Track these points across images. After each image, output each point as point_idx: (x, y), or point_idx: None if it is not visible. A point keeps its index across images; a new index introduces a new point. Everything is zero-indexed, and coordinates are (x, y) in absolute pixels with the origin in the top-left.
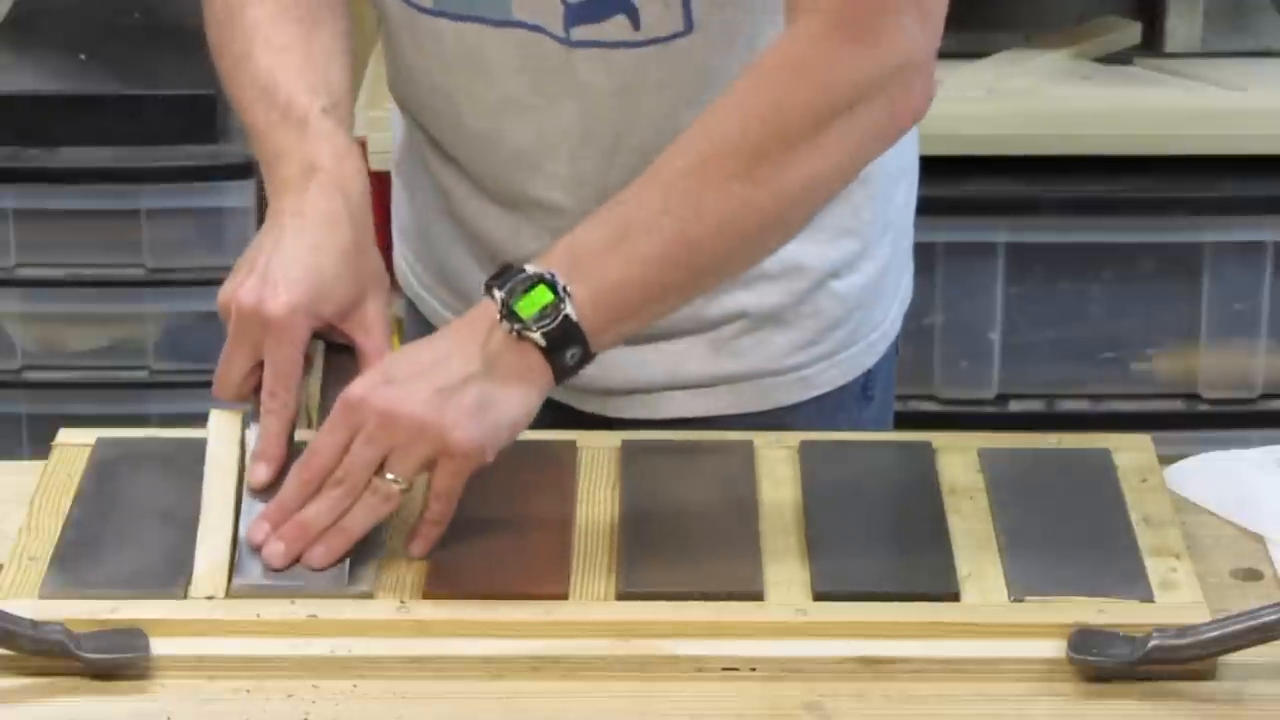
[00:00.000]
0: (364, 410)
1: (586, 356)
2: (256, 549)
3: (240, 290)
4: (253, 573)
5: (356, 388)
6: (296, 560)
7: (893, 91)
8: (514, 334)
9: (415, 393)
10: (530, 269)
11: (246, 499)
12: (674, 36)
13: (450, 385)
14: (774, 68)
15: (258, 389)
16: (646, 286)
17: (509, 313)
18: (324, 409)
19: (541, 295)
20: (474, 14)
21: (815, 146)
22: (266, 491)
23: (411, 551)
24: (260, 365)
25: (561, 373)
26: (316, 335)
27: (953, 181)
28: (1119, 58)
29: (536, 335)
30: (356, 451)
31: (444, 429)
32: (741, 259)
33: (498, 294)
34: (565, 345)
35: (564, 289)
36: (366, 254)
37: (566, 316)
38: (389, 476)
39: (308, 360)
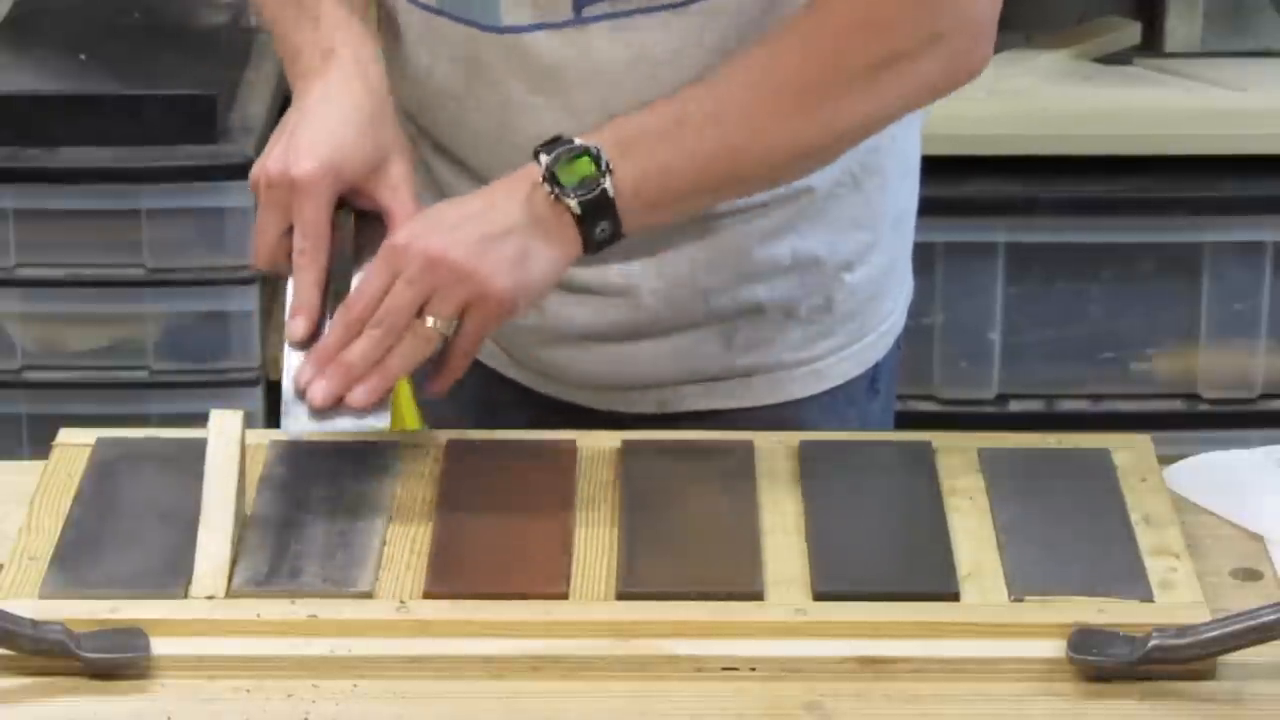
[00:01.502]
0: (408, 254)
1: (616, 234)
2: (301, 393)
3: (267, 161)
4: (299, 420)
5: (402, 233)
6: (340, 402)
7: (953, 48)
8: (553, 196)
9: (459, 239)
10: (579, 140)
11: (287, 350)
12: (688, 1)
13: (492, 234)
14: (840, 15)
15: (289, 255)
16: (685, 181)
17: (551, 176)
18: (357, 271)
19: (584, 166)
20: (468, 18)
21: (870, 92)
22: (305, 345)
23: (430, 390)
24: (291, 232)
25: (590, 244)
26: (344, 204)
27: (953, 181)
28: (1119, 58)
29: (573, 202)
30: (398, 293)
31: (484, 276)
32: (780, 177)
33: (544, 159)
34: (598, 218)
35: (607, 164)
36: (388, 121)
37: (604, 190)
38: (429, 320)
39: (337, 229)
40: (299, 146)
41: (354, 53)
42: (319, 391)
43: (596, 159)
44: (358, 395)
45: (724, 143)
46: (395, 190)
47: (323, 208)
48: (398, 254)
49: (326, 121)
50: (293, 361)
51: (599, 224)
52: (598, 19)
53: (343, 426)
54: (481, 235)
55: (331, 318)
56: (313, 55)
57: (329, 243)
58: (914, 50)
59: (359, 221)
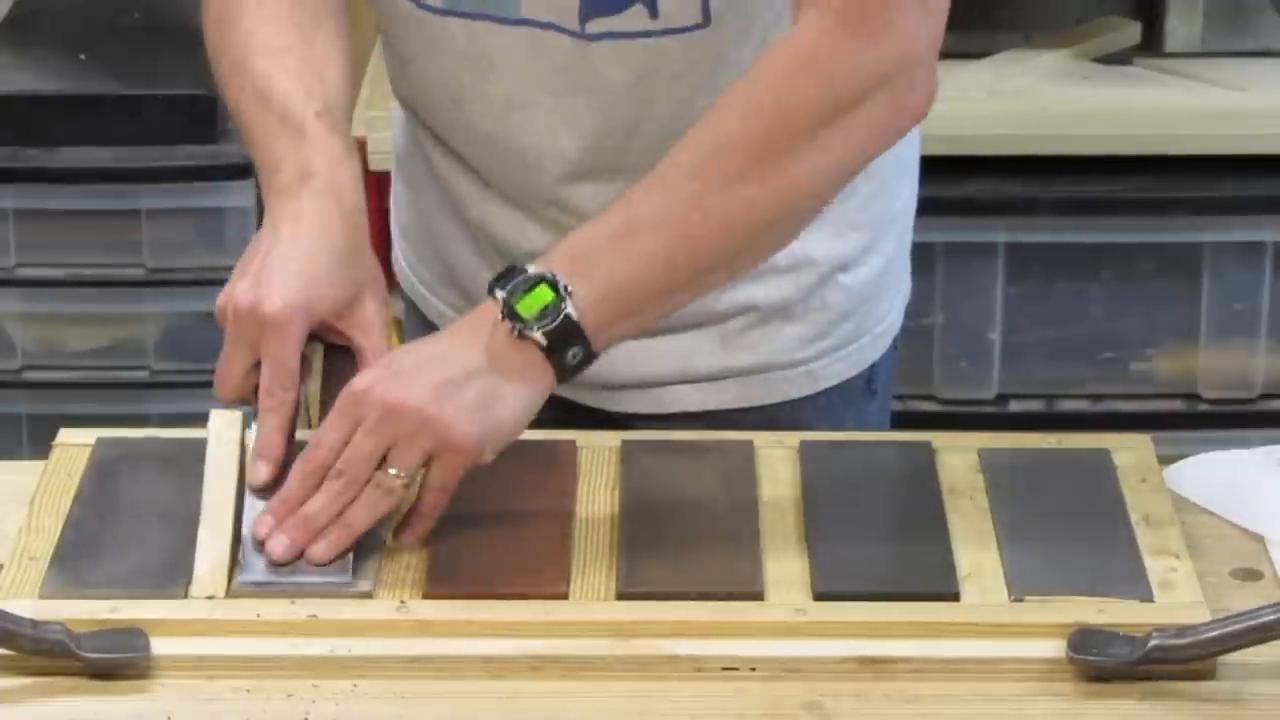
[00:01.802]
0: (367, 402)
1: (589, 356)
2: (260, 545)
3: (236, 292)
4: (256, 569)
5: (360, 381)
6: (300, 555)
7: (896, 87)
8: (515, 333)
9: (418, 386)
10: (532, 269)
11: (249, 497)
12: (691, 28)
13: (453, 380)
14: (778, 63)
15: (256, 390)
16: (649, 285)
17: (510, 312)
18: (324, 409)
19: (543, 295)
20: (485, 12)
21: (819, 143)
22: (268, 490)
23: (400, 540)
24: (259, 366)
25: (563, 372)
26: (315, 337)
27: (953, 181)
28: (1119, 58)
29: (537, 335)
30: (358, 444)
31: (446, 424)
32: (745, 258)
33: (499, 294)
34: (566, 345)
35: (565, 288)
36: (362, 255)
37: (567, 316)
38: (391, 470)
39: (306, 362)
40: (270, 281)
41: (332, 178)
42: (278, 546)
43: (554, 284)
44: (318, 550)
45: (679, 236)
46: (367, 330)
47: (292, 347)
48: (357, 402)
49: (299, 254)
50: (253, 508)
51: (569, 350)
52: (600, 37)
53: (303, 581)
54: (442, 381)
55: (295, 456)
56: (289, 173)
57: (297, 384)
58: (855, 94)
59: (329, 354)
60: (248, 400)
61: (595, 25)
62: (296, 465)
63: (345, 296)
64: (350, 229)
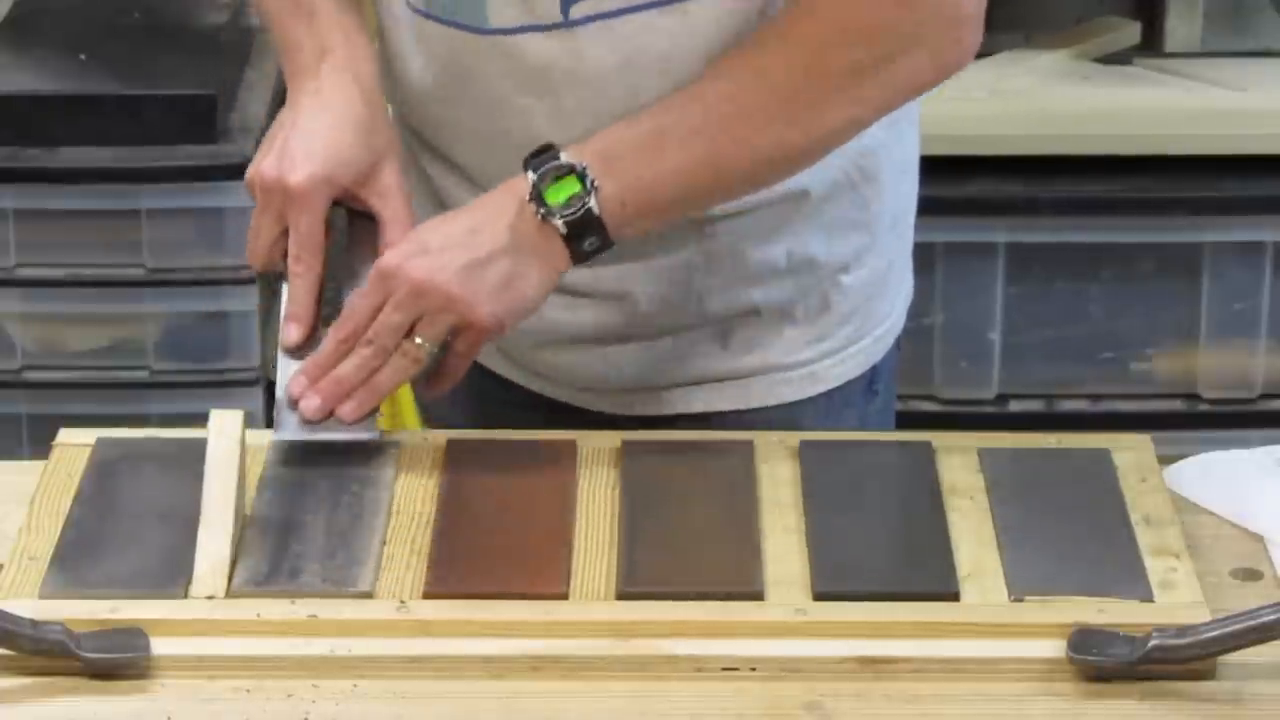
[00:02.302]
0: (397, 278)
1: (605, 244)
2: (294, 403)
3: (263, 165)
4: (289, 426)
5: (391, 257)
6: (330, 414)
7: (938, 43)
8: (539, 217)
9: (445, 265)
10: (565, 157)
11: (281, 358)
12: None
13: (478, 260)
14: (822, 22)
15: (284, 256)
16: (671, 191)
17: (538, 196)
18: (347, 271)
19: (570, 185)
20: (456, 20)
21: (853, 94)
22: (299, 350)
23: (424, 393)
24: (286, 234)
25: (579, 256)
26: (337, 203)
27: (953, 181)
28: (1119, 58)
29: (559, 222)
30: (387, 316)
31: (470, 303)
32: (766, 182)
33: (530, 176)
34: (585, 234)
35: (592, 182)
36: (380, 125)
37: (590, 209)
38: (417, 340)
39: (330, 227)
40: (294, 153)
41: (349, 52)
42: (310, 405)
43: (582, 177)
44: (347, 409)
45: (707, 152)
46: (386, 196)
47: (317, 216)
48: (387, 277)
49: (321, 127)
50: (286, 368)
51: (586, 239)
52: (585, 21)
53: (332, 436)
54: (468, 260)
55: (324, 319)
56: (308, 52)
57: (323, 250)
58: (895, 52)
59: (352, 220)
60: (276, 266)
61: (579, 9)
62: (331, 331)
63: (365, 166)
64: (367, 100)
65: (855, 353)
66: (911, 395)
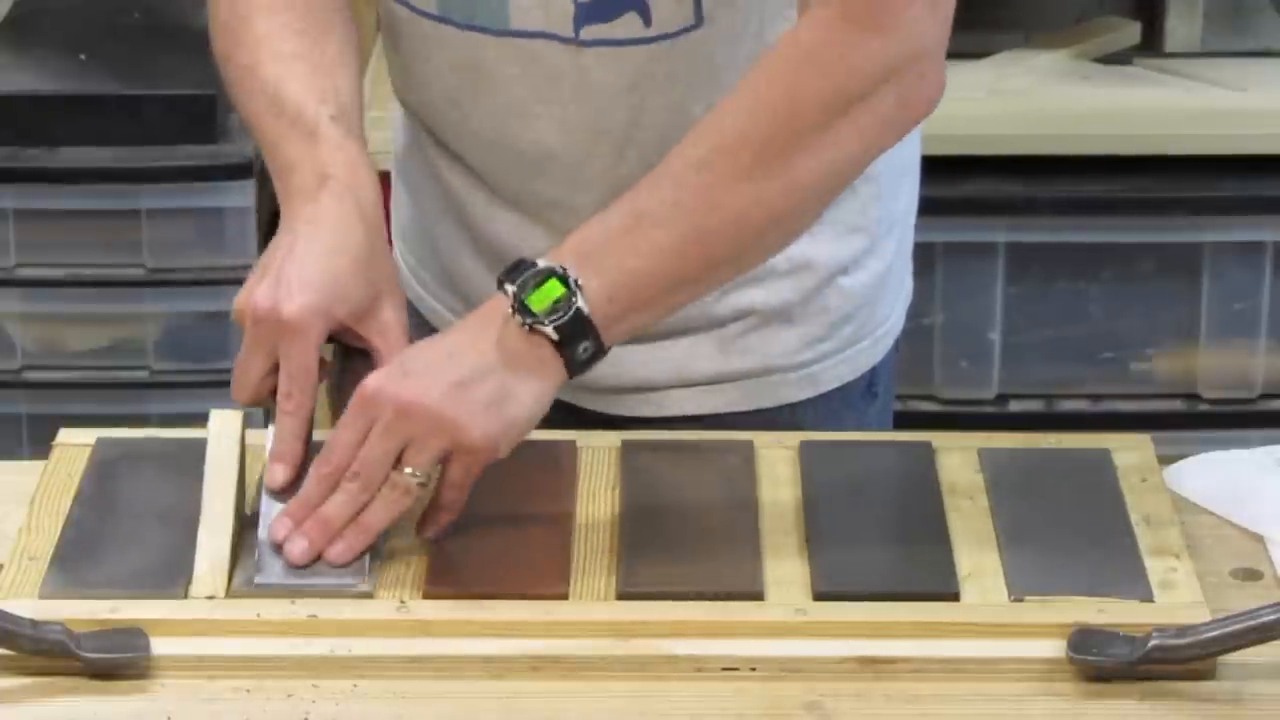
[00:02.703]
0: (380, 402)
1: (599, 350)
2: (278, 547)
3: (256, 294)
4: (274, 571)
5: (372, 381)
6: (319, 558)
7: (905, 81)
8: (526, 328)
9: (431, 385)
10: (542, 263)
11: (265, 500)
12: (684, 31)
13: (466, 378)
14: (785, 58)
15: (274, 392)
16: (658, 278)
17: (521, 306)
18: (340, 410)
19: (553, 289)
20: (475, 24)
21: (827, 137)
22: (285, 492)
23: (422, 533)
24: (277, 368)
25: (574, 367)
26: (332, 339)
27: (953, 181)
28: (1119, 58)
29: (549, 329)
30: (373, 444)
31: (460, 423)
32: (755, 251)
33: (509, 288)
34: (577, 339)
35: (575, 282)
36: (381, 258)
37: (578, 310)
38: (406, 470)
39: (323, 364)
40: (290, 283)
41: (351, 179)
42: (297, 549)
43: (564, 279)
44: (335, 552)
45: (688, 230)
46: (385, 333)
47: (311, 351)
48: (368, 403)
49: (319, 257)
50: (270, 510)
51: (580, 345)
52: (594, 44)
53: (320, 583)
54: (454, 379)
55: (312, 458)
56: (306, 174)
57: (316, 387)
58: (864, 89)
59: (345, 356)
60: (265, 403)
61: (589, 32)
62: (313, 467)
63: (364, 300)
64: (369, 231)
65: (855, 354)
66: (911, 395)
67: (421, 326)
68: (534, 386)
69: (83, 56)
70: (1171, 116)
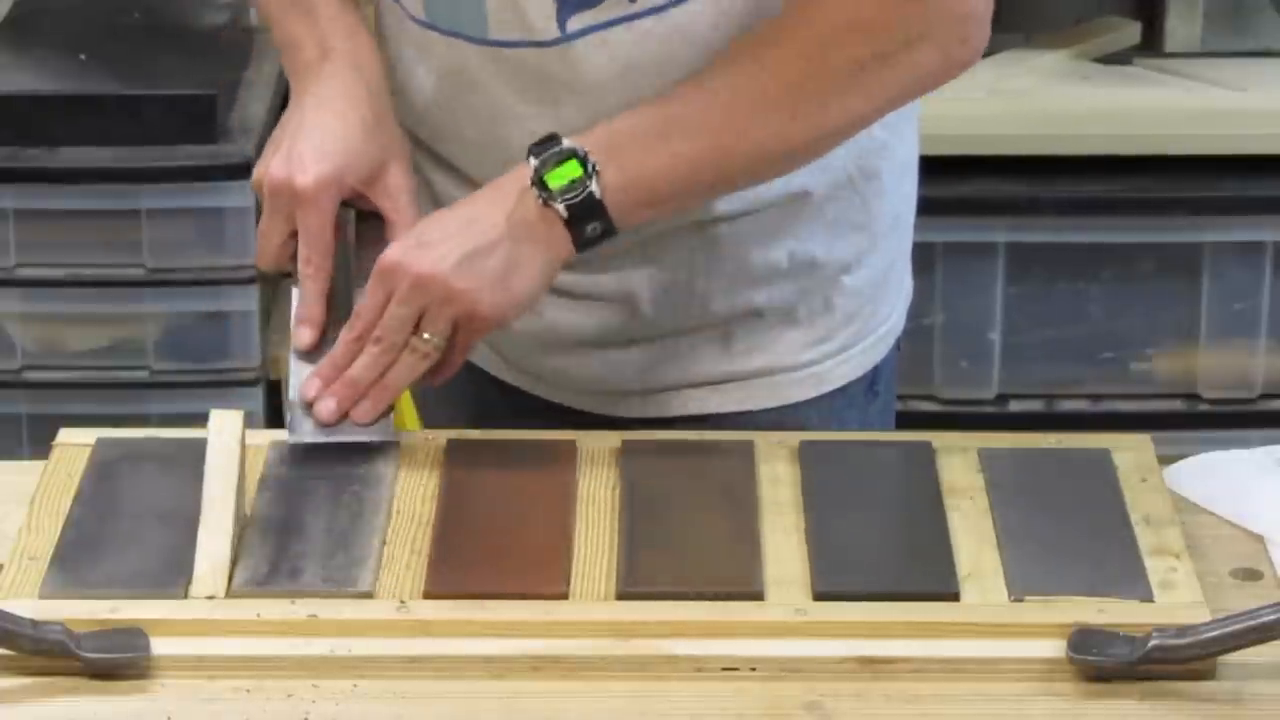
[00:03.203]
0: (398, 274)
1: (609, 230)
2: (308, 406)
3: (271, 167)
4: (305, 429)
5: (391, 252)
6: (346, 416)
7: (944, 39)
8: (541, 201)
9: (445, 257)
10: (567, 143)
11: (293, 361)
12: (670, 4)
13: (478, 249)
14: (826, 22)
15: (294, 258)
16: (674, 181)
17: (539, 180)
18: (357, 272)
19: (571, 169)
20: (457, 31)
21: (857, 89)
22: (312, 353)
23: (423, 383)
24: (295, 235)
25: (582, 244)
26: (346, 204)
27: (953, 181)
28: (1119, 58)
29: (560, 207)
30: (392, 312)
31: (471, 294)
32: (768, 175)
33: (533, 162)
34: (587, 219)
35: (594, 167)
36: (385, 124)
37: (591, 194)
38: (425, 335)
39: (339, 228)
40: (302, 154)
41: (352, 49)
42: (325, 408)
43: (584, 161)
44: (362, 410)
45: (710, 144)
46: (394, 196)
47: (326, 217)
48: (389, 273)
49: (329, 128)
50: (299, 371)
51: (589, 225)
52: (582, 33)
53: (348, 438)
54: (468, 250)
55: (335, 320)
56: (310, 50)
57: (333, 251)
58: (900, 49)
59: (360, 220)
60: (285, 268)
61: (575, 22)
62: (343, 333)
63: (372, 166)
64: (373, 98)
65: (857, 353)
66: (911, 395)
67: None
68: (541, 258)
69: (83, 56)
70: (1171, 116)
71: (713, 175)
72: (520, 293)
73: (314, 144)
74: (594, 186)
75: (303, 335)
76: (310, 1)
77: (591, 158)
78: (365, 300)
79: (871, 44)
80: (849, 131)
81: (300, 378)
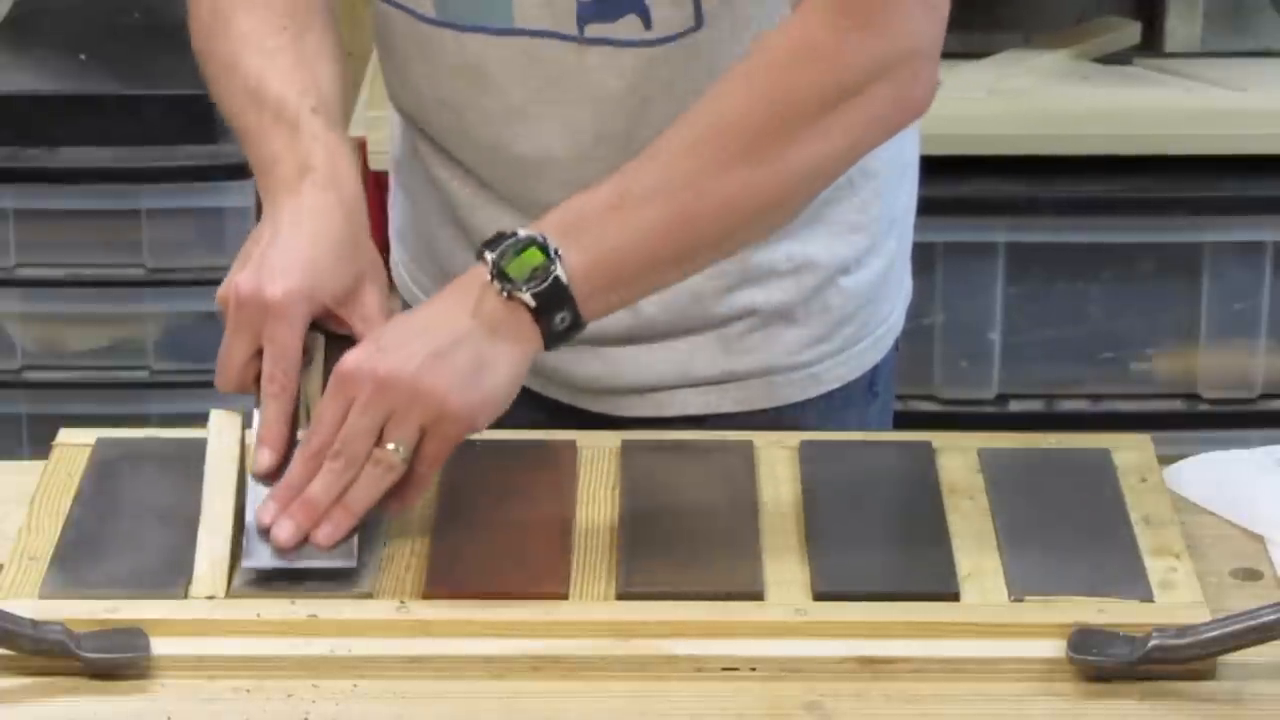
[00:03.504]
0: (358, 378)
1: (577, 323)
2: (265, 532)
3: (238, 280)
4: (262, 556)
5: (349, 358)
6: (305, 540)
7: (898, 78)
8: (504, 294)
9: (409, 357)
10: (523, 232)
11: (251, 485)
12: (685, 33)
13: (443, 348)
14: (780, 50)
15: (258, 379)
16: (640, 256)
17: (500, 273)
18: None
19: (532, 256)
20: (478, 24)
21: (819, 130)
22: (271, 478)
23: (386, 510)
24: (260, 355)
25: (551, 337)
26: (316, 327)
27: (953, 181)
28: (1119, 58)
29: (526, 296)
30: (353, 421)
31: (439, 394)
32: (739, 237)
33: (489, 256)
34: (555, 308)
35: (555, 251)
36: (363, 244)
37: (557, 278)
38: (389, 446)
39: (307, 352)
40: (273, 267)
41: (332, 170)
42: (283, 531)
43: (544, 247)
44: (322, 534)
45: (673, 211)
46: (368, 319)
47: (295, 332)
48: (348, 380)
49: (302, 243)
50: (257, 495)
51: (557, 315)
52: (596, 42)
53: (307, 564)
54: (431, 350)
55: (299, 444)
56: (288, 167)
57: (299, 370)
58: (858, 83)
59: (329, 344)
60: (248, 389)
61: (592, 30)
62: (298, 451)
63: (347, 284)
64: (350, 219)
65: (856, 354)
66: (911, 395)
67: None
68: (511, 355)
69: (83, 56)
70: (1171, 116)
71: (681, 245)
72: (491, 391)
73: (285, 257)
74: (559, 270)
75: (263, 459)
76: (295, 118)
77: (551, 242)
78: (321, 411)
79: (829, 77)
80: (815, 182)
81: (258, 501)
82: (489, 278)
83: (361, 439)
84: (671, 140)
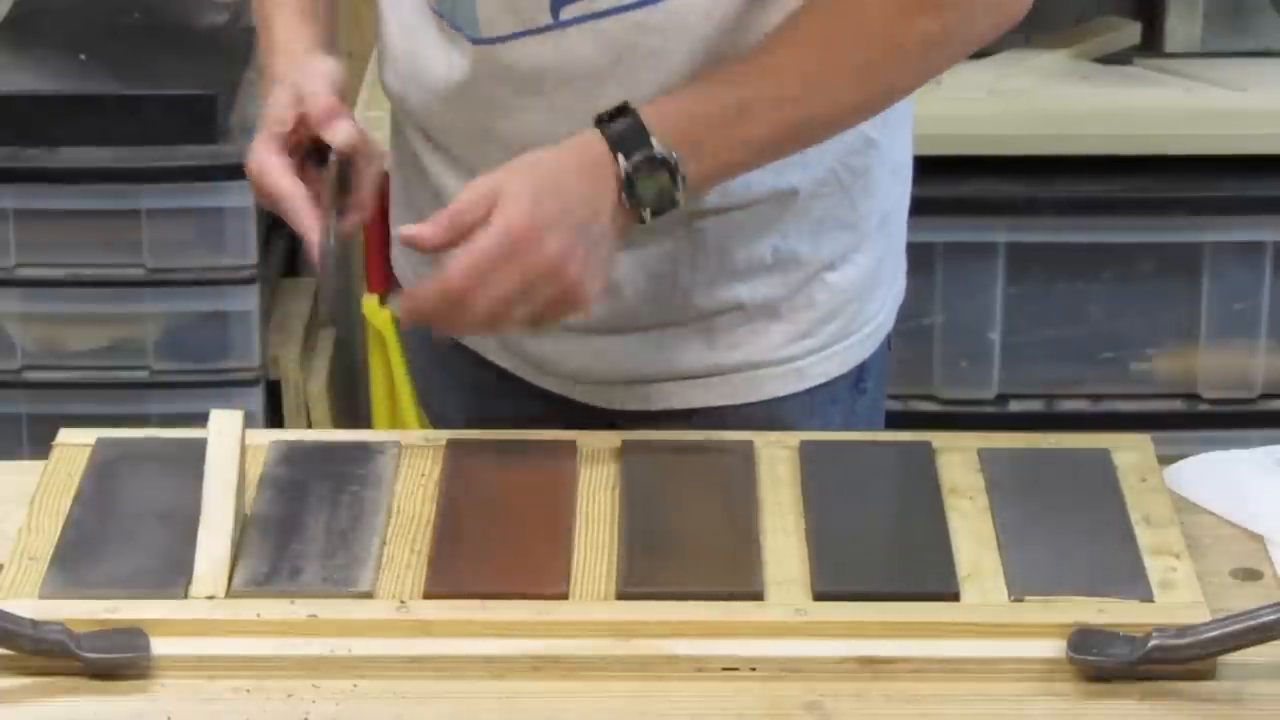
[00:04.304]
0: (530, 252)
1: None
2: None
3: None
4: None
5: (520, 217)
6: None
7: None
8: (627, 205)
9: (575, 247)
10: (658, 145)
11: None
12: None
13: (596, 245)
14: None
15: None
16: (744, 168)
17: (630, 186)
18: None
19: (662, 180)
20: (455, 24)
21: (926, 61)
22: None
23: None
24: (303, 168)
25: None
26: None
27: (953, 181)
28: (1119, 58)
29: (646, 214)
30: (507, 286)
31: (585, 288)
32: (834, 135)
33: (623, 164)
34: (659, 215)
35: (682, 177)
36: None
37: (676, 202)
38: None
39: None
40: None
41: (307, 59)
42: (425, 304)
43: (674, 172)
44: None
45: (785, 126)
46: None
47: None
48: (519, 242)
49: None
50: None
51: (658, 217)
52: (575, 21)
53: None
54: (591, 245)
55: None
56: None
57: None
58: (967, 17)
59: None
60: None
61: (569, 10)
62: (436, 282)
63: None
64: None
65: (841, 350)
66: (911, 395)
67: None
68: (613, 249)
69: (83, 56)
70: (1171, 116)
71: (791, 147)
72: (601, 286)
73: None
74: (679, 195)
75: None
76: (268, 29)
77: (680, 168)
78: (481, 242)
79: (940, 20)
80: (913, 90)
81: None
82: (617, 181)
83: (504, 305)
84: (787, 56)
